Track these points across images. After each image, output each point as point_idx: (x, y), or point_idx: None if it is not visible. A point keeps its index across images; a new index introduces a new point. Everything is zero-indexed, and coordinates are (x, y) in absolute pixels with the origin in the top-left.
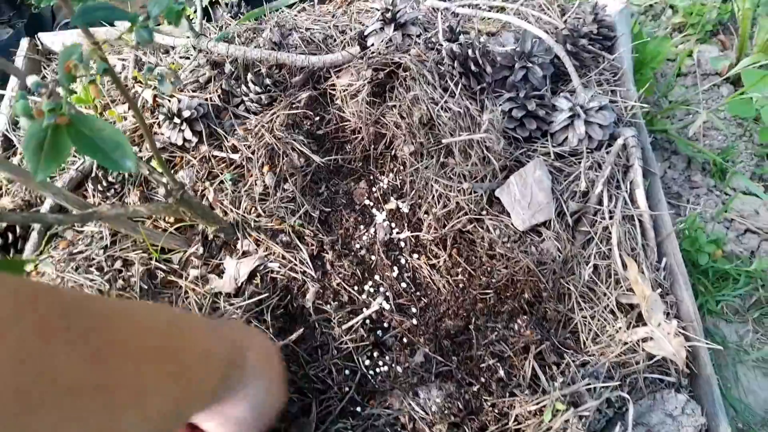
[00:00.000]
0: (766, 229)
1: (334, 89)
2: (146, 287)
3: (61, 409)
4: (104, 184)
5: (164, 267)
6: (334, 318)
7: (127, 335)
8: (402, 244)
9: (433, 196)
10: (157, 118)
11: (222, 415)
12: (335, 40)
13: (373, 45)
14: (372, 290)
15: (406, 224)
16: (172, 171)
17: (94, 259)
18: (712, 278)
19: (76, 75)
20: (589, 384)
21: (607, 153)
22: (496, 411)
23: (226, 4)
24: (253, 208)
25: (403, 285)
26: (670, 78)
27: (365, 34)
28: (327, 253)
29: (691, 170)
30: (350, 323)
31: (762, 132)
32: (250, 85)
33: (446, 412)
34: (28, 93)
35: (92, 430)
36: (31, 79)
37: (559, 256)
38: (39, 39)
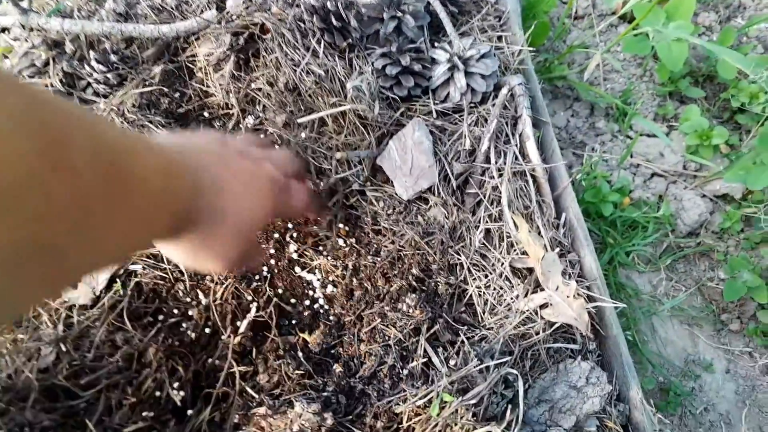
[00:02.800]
0: (672, 171)
1: (194, 61)
2: None
3: None
4: None
5: None
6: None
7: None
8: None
9: (310, 169)
10: None
11: (189, 242)
12: (190, 5)
13: (230, 6)
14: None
15: None
16: None
17: None
18: (621, 228)
19: None
20: (480, 364)
21: (493, 105)
22: (385, 412)
23: None
24: None
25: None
26: (562, 19)
27: None
28: None
29: (594, 116)
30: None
31: (660, 69)
32: (94, 64)
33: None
34: None
35: None
36: None
37: (447, 224)
38: None
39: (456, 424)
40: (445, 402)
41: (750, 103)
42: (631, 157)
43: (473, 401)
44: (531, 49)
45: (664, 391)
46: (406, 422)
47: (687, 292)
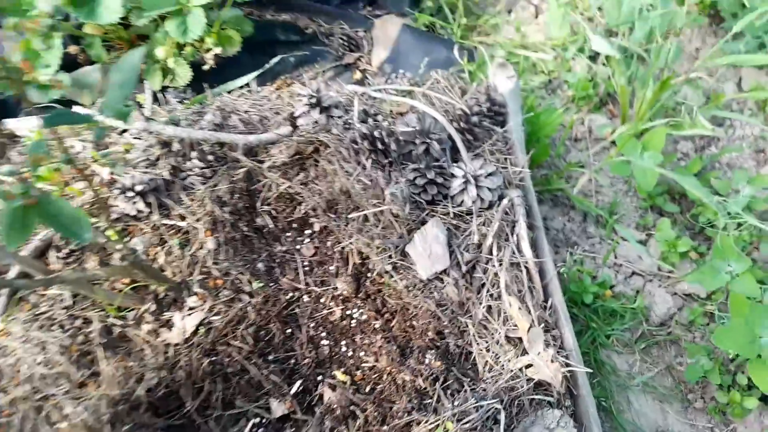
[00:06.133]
0: (649, 272)
1: (269, 162)
2: (104, 341)
3: None
4: (65, 252)
5: (120, 323)
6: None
7: None
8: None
9: (350, 253)
10: (113, 192)
11: None
12: (269, 121)
13: (301, 125)
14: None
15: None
16: (127, 238)
17: (56, 318)
18: (602, 315)
19: (42, 164)
20: (476, 403)
21: (496, 211)
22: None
23: (175, 88)
24: (198, 269)
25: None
26: (560, 143)
27: (295, 115)
28: (262, 308)
29: (586, 222)
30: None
31: (639, 188)
32: (195, 161)
33: None
34: None
35: None
36: (4, 169)
37: (457, 299)
38: (4, 124)
39: None
40: (447, 429)
41: (713, 221)
42: (616, 257)
43: (467, 426)
44: (528, 171)
45: None
46: None
47: (658, 372)
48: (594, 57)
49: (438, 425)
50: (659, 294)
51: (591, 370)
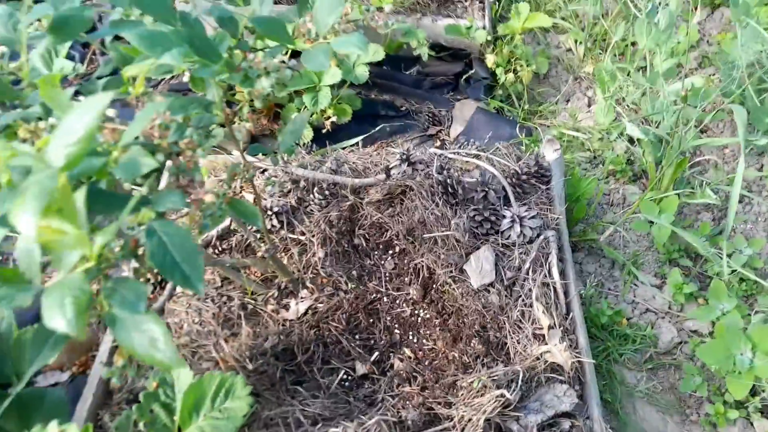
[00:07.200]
0: (660, 310)
1: (367, 199)
2: (241, 314)
3: None
4: (222, 246)
5: (252, 302)
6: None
7: None
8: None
9: (421, 268)
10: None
11: None
12: (370, 170)
13: (393, 174)
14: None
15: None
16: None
17: (209, 294)
18: (617, 338)
19: (236, 179)
20: (505, 369)
21: (534, 244)
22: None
23: (303, 144)
24: (310, 270)
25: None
26: (594, 204)
27: (389, 167)
28: (353, 302)
29: (614, 269)
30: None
31: (656, 242)
32: (315, 194)
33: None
34: None
35: None
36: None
37: (498, 304)
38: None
39: (486, 387)
40: (481, 381)
41: (719, 272)
42: (634, 296)
43: (495, 379)
44: (563, 218)
45: None
46: (459, 389)
47: (662, 390)
48: (632, 140)
49: (475, 381)
50: (667, 327)
51: (593, 361)
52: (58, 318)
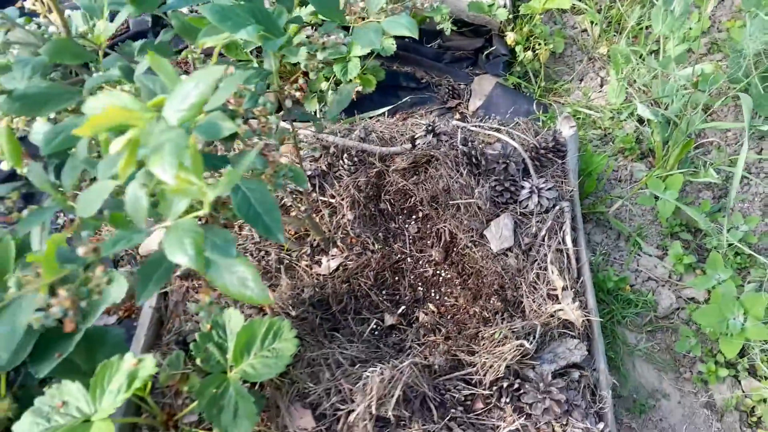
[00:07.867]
0: (661, 279)
1: (393, 166)
2: (277, 267)
3: None
4: None
5: (288, 257)
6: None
7: None
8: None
9: (443, 232)
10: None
11: None
12: (397, 139)
13: (418, 144)
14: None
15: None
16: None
17: (248, 249)
18: (620, 302)
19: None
20: (522, 323)
21: (550, 214)
22: (475, 334)
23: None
24: (340, 230)
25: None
26: (604, 179)
27: (415, 137)
28: (380, 261)
29: (620, 240)
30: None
31: (660, 216)
32: (345, 160)
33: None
34: None
35: None
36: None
37: (516, 266)
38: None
39: (506, 338)
40: (503, 332)
41: (718, 246)
42: (638, 266)
43: (516, 329)
44: (576, 190)
45: (636, 402)
46: (481, 339)
47: (659, 350)
48: (641, 120)
49: (497, 332)
50: (667, 294)
51: (601, 319)
52: (181, 255)
